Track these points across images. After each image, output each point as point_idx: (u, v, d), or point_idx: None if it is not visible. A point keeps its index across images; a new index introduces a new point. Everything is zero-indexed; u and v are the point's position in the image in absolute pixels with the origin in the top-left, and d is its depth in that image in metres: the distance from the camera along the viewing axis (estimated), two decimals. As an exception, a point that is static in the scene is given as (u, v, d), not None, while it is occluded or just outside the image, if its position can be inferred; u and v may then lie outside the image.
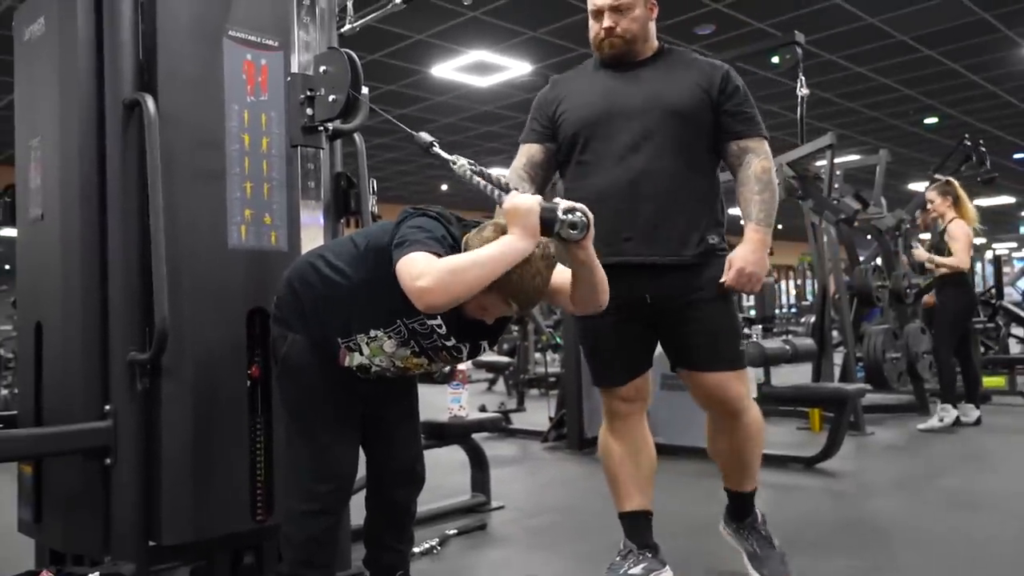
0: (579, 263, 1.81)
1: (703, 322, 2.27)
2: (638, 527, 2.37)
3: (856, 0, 6.85)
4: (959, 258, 5.21)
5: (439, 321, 1.80)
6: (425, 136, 1.89)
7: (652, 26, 2.38)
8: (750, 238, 2.26)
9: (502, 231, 1.72)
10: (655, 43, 2.39)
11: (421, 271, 1.64)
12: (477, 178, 1.80)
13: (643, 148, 2.26)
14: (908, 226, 6.35)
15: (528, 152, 2.44)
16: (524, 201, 1.69)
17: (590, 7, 2.37)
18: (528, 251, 1.68)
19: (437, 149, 1.88)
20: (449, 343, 1.84)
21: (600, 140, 2.32)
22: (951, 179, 5.48)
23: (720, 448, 2.40)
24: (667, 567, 2.36)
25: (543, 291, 1.80)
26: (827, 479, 3.93)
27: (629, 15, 2.31)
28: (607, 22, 2.31)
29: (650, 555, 2.33)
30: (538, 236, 1.68)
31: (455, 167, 1.83)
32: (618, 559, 2.36)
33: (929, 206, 5.49)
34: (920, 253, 5.52)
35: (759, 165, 2.27)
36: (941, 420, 5.25)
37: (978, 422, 5.37)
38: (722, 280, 2.24)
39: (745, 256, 2.23)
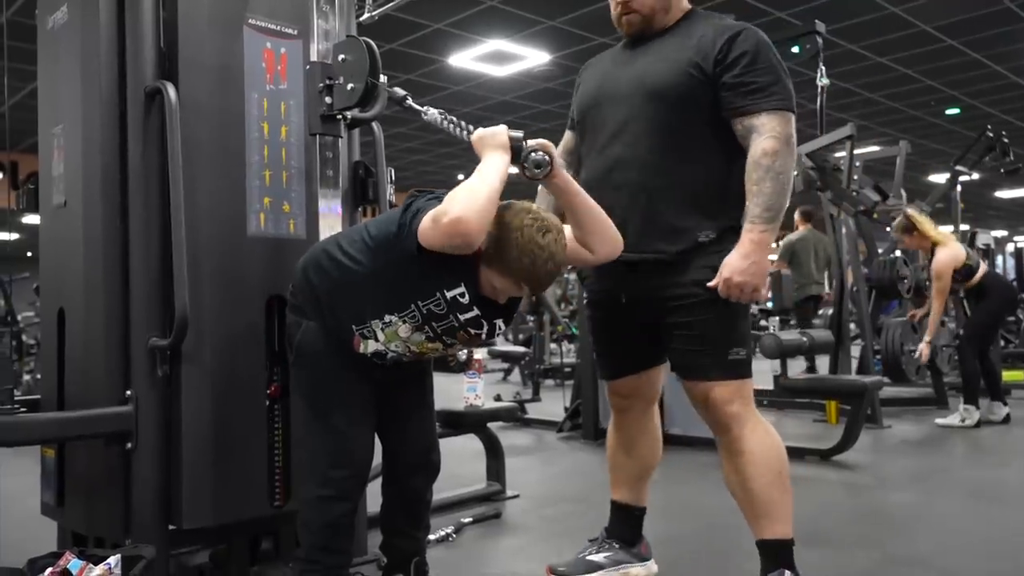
0: (559, 192, 1.92)
1: (688, 327, 2.04)
2: (617, 518, 2.37)
3: (878, -11, 6.77)
4: (938, 302, 5.19)
5: (462, 288, 1.79)
6: (399, 90, 2.09)
7: None
8: (742, 240, 1.97)
9: (515, 213, 1.78)
10: (681, 9, 2.16)
11: (442, 209, 1.70)
12: (446, 123, 1.95)
13: (621, 136, 2.10)
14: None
15: (564, 139, 2.40)
16: (492, 128, 1.85)
17: None
18: (505, 164, 1.80)
19: (410, 102, 2.07)
20: (468, 315, 1.83)
21: (592, 128, 2.21)
22: (907, 212, 5.35)
23: (727, 477, 2.09)
24: (643, 562, 2.35)
25: (556, 272, 1.82)
26: (844, 471, 3.91)
27: None
28: None
29: (617, 546, 2.33)
30: (508, 154, 1.81)
31: (426, 116, 2.00)
32: (588, 543, 2.37)
33: (905, 245, 5.45)
34: (923, 350, 5.38)
35: (760, 146, 1.95)
36: (963, 421, 5.12)
37: (1007, 419, 5.23)
38: (708, 284, 1.99)
39: (733, 263, 1.95)
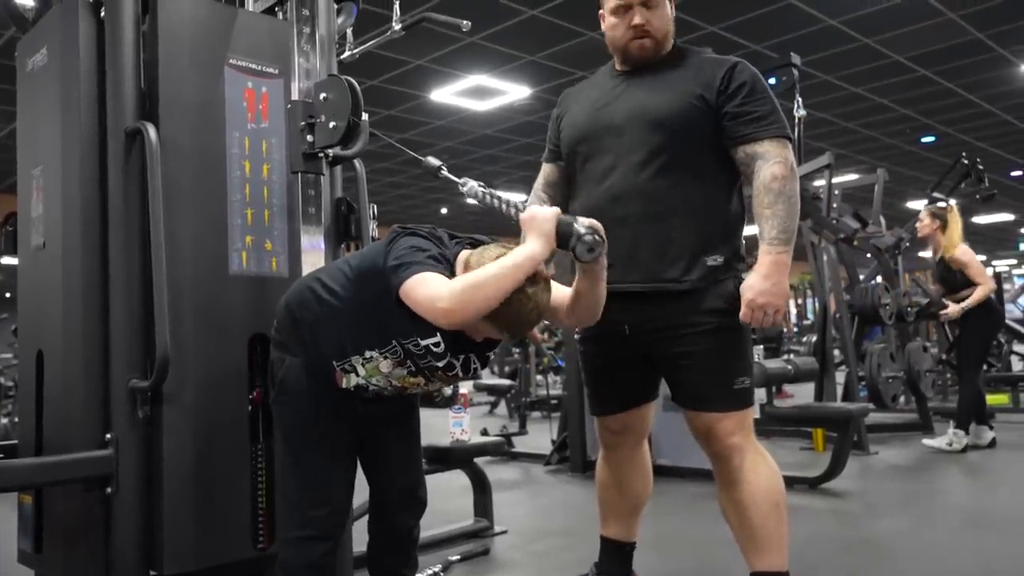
0: (592, 276, 1.83)
1: (693, 357, 2.03)
2: (607, 553, 2.35)
3: (852, 21, 6.91)
4: (985, 285, 5.16)
5: (437, 339, 1.78)
6: (433, 160, 1.95)
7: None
8: (761, 262, 1.95)
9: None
10: (670, 43, 2.17)
11: (438, 293, 1.66)
12: (489, 197, 1.86)
13: (621, 166, 2.08)
14: (907, 244, 6.36)
15: (544, 172, 2.36)
16: (543, 210, 1.75)
17: (613, 2, 2.12)
18: (544, 256, 1.71)
19: (445, 172, 1.93)
20: (441, 363, 1.83)
21: (587, 159, 2.17)
22: (951, 205, 5.44)
23: (724, 507, 2.09)
24: None
25: (537, 321, 1.81)
26: (832, 499, 3.90)
27: (659, 12, 2.10)
28: (637, 19, 2.08)
29: None
30: (554, 244, 1.71)
31: (464, 188, 1.88)
32: None
33: (918, 224, 5.50)
34: (953, 310, 5.27)
35: (768, 172, 1.96)
36: (950, 444, 5.09)
37: (992, 444, 5.21)
38: (740, 315, 1.96)
39: (755, 286, 1.94)
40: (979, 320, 5.26)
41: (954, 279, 5.26)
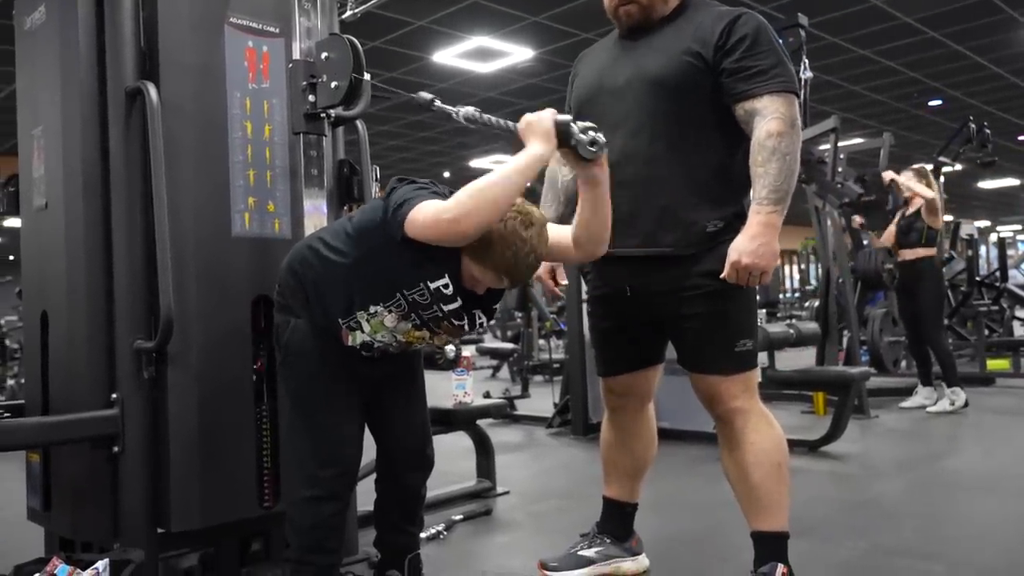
0: (593, 184, 1.85)
1: (698, 318, 2.02)
2: (608, 513, 2.37)
3: (860, -18, 6.81)
4: (929, 192, 5.34)
5: (445, 280, 1.79)
6: (424, 95, 1.95)
7: None
8: (750, 222, 1.92)
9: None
10: (668, 5, 2.11)
11: (444, 206, 1.68)
12: (484, 117, 1.88)
13: (622, 129, 2.05)
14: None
15: None
16: (538, 114, 1.77)
17: None
18: (548, 156, 1.74)
19: (439, 104, 1.94)
20: (451, 306, 1.82)
21: (592, 121, 2.13)
22: (935, 167, 5.54)
23: (726, 467, 2.10)
24: (634, 557, 2.35)
25: (536, 266, 1.83)
26: (832, 462, 3.94)
27: None
28: None
29: (608, 541, 2.33)
30: (554, 143, 1.74)
31: (460, 114, 1.89)
32: (580, 538, 2.37)
33: (902, 182, 5.52)
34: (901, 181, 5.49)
35: (764, 128, 1.90)
36: (952, 404, 5.21)
37: (966, 405, 5.27)
38: (722, 275, 1.94)
39: (741, 246, 1.90)
40: (934, 282, 5.41)
41: (916, 237, 5.38)
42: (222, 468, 2.10)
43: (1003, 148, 8.13)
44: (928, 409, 5.30)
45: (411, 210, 1.71)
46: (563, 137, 1.76)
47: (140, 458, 2.04)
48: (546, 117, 1.77)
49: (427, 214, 1.69)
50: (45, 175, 2.23)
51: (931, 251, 5.38)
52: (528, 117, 1.79)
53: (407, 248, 1.73)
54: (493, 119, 1.89)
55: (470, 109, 1.89)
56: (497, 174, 1.70)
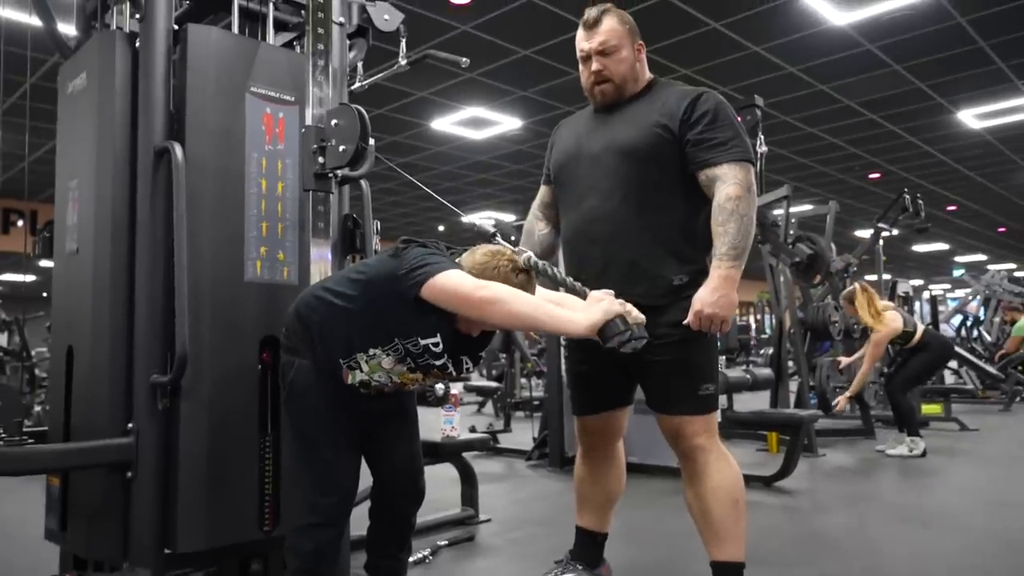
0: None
1: (662, 365, 2.02)
2: (581, 542, 2.33)
3: (809, 69, 6.99)
4: (864, 371, 5.32)
5: (436, 339, 1.79)
6: (488, 226, 2.08)
7: (641, 65, 2.15)
8: (711, 276, 1.94)
9: (492, 255, 1.77)
10: (646, 79, 2.16)
11: (479, 284, 1.67)
12: (550, 270, 1.82)
13: (595, 192, 2.08)
14: (855, 269, 6.42)
15: (541, 193, 2.37)
16: (607, 301, 1.68)
17: (578, 53, 2.16)
18: (580, 332, 1.66)
19: (499, 240, 2.00)
20: (439, 362, 1.83)
21: (569, 185, 2.18)
22: (859, 287, 5.32)
23: (689, 501, 2.07)
24: None
25: None
26: (784, 496, 3.90)
27: (616, 57, 2.09)
28: (595, 65, 2.10)
29: (581, 568, 2.28)
30: (595, 329, 1.64)
31: (521, 258, 1.81)
32: (554, 564, 2.33)
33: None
34: (841, 401, 5.50)
35: (724, 192, 1.94)
36: (911, 451, 5.10)
37: (923, 454, 5.12)
38: (684, 322, 1.96)
39: (703, 297, 1.93)
40: (930, 356, 5.34)
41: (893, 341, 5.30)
42: (227, 494, 2.05)
43: (934, 216, 8.26)
44: (888, 452, 5.20)
45: (436, 275, 1.69)
46: (605, 335, 1.63)
47: (151, 483, 2.00)
48: (609, 310, 1.65)
49: (459, 285, 1.67)
50: (78, 223, 2.22)
51: (923, 335, 5.29)
52: (599, 295, 1.70)
53: (413, 305, 1.73)
54: (560, 274, 1.82)
55: (531, 255, 1.80)
56: (542, 305, 1.69)
